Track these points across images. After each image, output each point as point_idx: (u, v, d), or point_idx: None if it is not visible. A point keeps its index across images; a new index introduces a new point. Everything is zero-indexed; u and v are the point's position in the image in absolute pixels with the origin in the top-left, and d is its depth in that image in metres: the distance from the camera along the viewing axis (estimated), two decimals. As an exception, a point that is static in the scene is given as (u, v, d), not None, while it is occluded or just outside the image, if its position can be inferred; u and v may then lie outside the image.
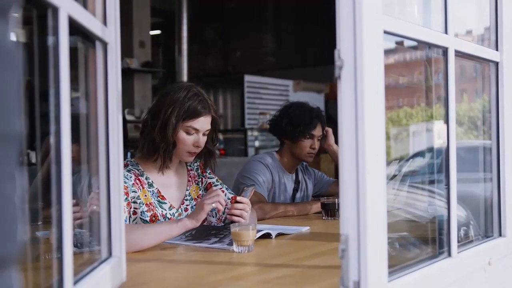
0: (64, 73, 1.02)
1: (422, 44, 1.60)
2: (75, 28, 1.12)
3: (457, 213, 1.56)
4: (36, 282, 1.16)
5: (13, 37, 0.61)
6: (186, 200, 2.36)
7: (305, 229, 2.36)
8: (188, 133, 2.22)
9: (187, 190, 2.37)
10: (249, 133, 7.49)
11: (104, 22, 1.36)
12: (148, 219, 2.18)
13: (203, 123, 2.24)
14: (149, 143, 2.22)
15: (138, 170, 2.24)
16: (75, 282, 1.10)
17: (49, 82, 1.03)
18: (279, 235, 2.20)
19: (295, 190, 3.14)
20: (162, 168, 2.27)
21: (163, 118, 2.18)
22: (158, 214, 2.21)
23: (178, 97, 2.20)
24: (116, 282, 1.38)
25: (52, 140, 1.03)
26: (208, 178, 2.46)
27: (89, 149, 1.39)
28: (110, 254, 1.38)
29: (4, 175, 0.58)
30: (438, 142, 1.96)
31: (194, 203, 2.37)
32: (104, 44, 1.36)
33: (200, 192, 2.41)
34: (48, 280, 1.12)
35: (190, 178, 2.41)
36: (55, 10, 1.00)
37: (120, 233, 1.40)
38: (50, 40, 1.03)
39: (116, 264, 1.38)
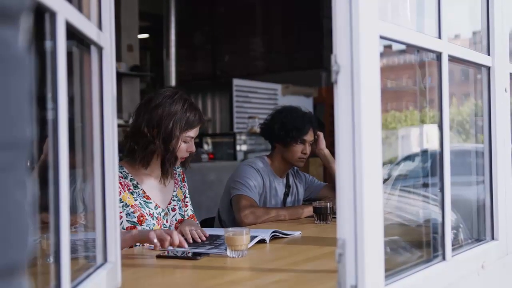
0: (61, 77, 1.02)
1: (410, 48, 1.61)
2: (71, 33, 1.12)
3: (449, 217, 1.57)
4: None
5: (23, 42, 0.60)
6: (174, 200, 2.43)
7: (297, 233, 2.36)
8: (185, 142, 2.31)
9: (174, 191, 2.45)
10: (238, 137, 7.47)
11: (100, 26, 1.35)
12: (136, 219, 2.24)
13: (197, 130, 2.35)
14: (150, 154, 2.27)
15: (121, 173, 2.26)
16: (72, 288, 1.09)
17: (46, 86, 1.02)
18: (274, 238, 2.20)
19: (286, 194, 3.14)
20: (164, 179, 2.36)
21: (165, 131, 2.24)
22: (145, 214, 2.26)
23: (176, 110, 2.27)
24: (111, 288, 1.37)
25: (49, 145, 1.02)
26: (186, 188, 2.56)
27: (83, 154, 1.38)
28: (105, 259, 1.37)
29: (14, 181, 0.57)
30: (428, 145, 1.97)
31: (181, 204, 2.46)
32: (100, 49, 1.35)
33: (183, 196, 2.50)
34: (44, 286, 1.11)
35: (176, 180, 2.49)
36: (53, 14, 1.00)
37: (115, 239, 1.40)
38: (47, 44, 1.02)
39: (111, 270, 1.37)
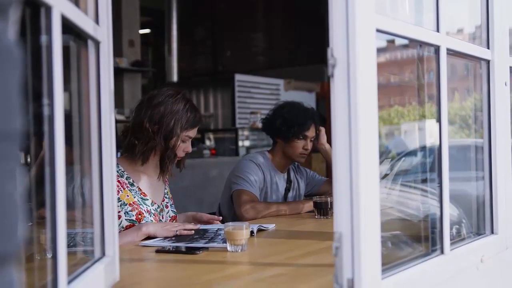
0: (57, 72, 1.02)
1: (413, 43, 1.61)
2: (67, 27, 1.12)
3: (449, 211, 1.57)
4: (29, 282, 1.15)
5: (12, 35, 0.61)
6: (166, 197, 2.47)
7: (272, 226, 2.39)
8: (183, 141, 2.34)
9: (166, 189, 2.50)
10: (240, 132, 7.47)
11: (97, 21, 1.35)
12: (134, 217, 2.26)
13: (196, 131, 2.39)
14: (149, 150, 2.30)
15: (117, 171, 2.27)
16: (69, 282, 1.10)
17: (42, 81, 1.02)
18: (259, 231, 2.25)
19: (287, 189, 3.14)
20: (163, 176, 2.39)
21: (166, 128, 2.28)
22: (143, 211, 2.29)
23: (178, 108, 2.30)
24: (109, 282, 1.37)
25: (45, 140, 1.02)
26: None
27: (81, 150, 1.39)
28: (103, 253, 1.38)
29: (5, 172, 0.58)
30: (430, 141, 1.97)
31: (172, 201, 2.51)
32: (97, 43, 1.35)
33: (171, 194, 2.55)
34: (41, 280, 1.12)
35: (166, 180, 2.52)
36: (48, 9, 1.00)
37: (113, 232, 1.40)
38: (43, 39, 1.02)
39: (109, 263, 1.37)
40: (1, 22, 0.58)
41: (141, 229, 2.11)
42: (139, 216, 2.26)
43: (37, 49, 1.03)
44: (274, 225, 2.42)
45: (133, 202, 2.27)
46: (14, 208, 0.59)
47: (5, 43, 0.58)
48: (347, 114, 1.17)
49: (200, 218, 2.48)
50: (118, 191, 2.23)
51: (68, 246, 1.12)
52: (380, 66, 1.29)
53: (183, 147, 2.35)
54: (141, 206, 2.29)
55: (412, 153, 2.51)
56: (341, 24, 1.17)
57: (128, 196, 2.27)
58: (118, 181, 2.25)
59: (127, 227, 2.22)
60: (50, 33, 1.01)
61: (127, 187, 2.29)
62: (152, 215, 2.31)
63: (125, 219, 2.24)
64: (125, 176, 2.32)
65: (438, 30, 1.52)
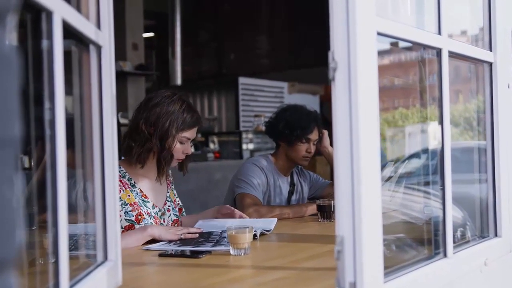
0: (58, 77, 1.02)
1: (416, 45, 1.61)
2: (69, 32, 1.12)
3: (454, 214, 1.56)
4: (31, 286, 1.15)
5: (11, 41, 0.61)
6: (168, 201, 2.47)
7: (273, 222, 2.40)
8: (181, 142, 2.33)
9: (168, 192, 2.48)
10: (244, 135, 7.47)
11: (98, 25, 1.36)
12: (133, 218, 2.26)
13: (195, 132, 2.38)
14: (146, 152, 2.30)
15: (119, 172, 2.27)
16: (71, 286, 1.10)
17: (43, 86, 1.03)
18: (262, 234, 2.24)
19: (291, 192, 3.14)
20: (160, 178, 2.38)
21: (162, 129, 2.27)
22: (143, 213, 2.29)
23: (173, 109, 2.30)
24: (111, 286, 1.37)
25: (46, 144, 1.02)
26: (174, 190, 2.57)
27: (83, 154, 1.39)
28: (105, 258, 1.38)
29: (3, 178, 0.58)
30: (434, 143, 1.97)
31: (174, 205, 2.49)
32: (98, 48, 1.35)
33: (175, 197, 2.53)
34: (43, 285, 1.12)
35: (168, 183, 2.52)
36: (49, 14, 1.00)
37: (115, 237, 1.40)
38: (44, 43, 1.02)
39: (112, 268, 1.37)
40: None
41: (146, 230, 2.11)
42: (139, 217, 2.26)
43: (38, 53, 1.04)
44: (276, 219, 2.44)
45: (134, 203, 2.27)
46: (12, 214, 0.59)
47: (3, 49, 0.58)
48: (348, 117, 1.17)
49: (225, 211, 2.51)
50: (119, 190, 2.23)
51: (70, 249, 1.12)
52: (384, 68, 1.30)
53: (182, 149, 2.34)
54: (141, 207, 2.29)
55: (416, 155, 2.51)
56: (341, 27, 1.17)
57: (129, 196, 2.27)
58: (120, 181, 2.25)
59: (126, 228, 2.22)
60: (51, 38, 1.02)
61: (129, 187, 2.29)
62: (152, 217, 2.31)
63: (125, 219, 2.23)
64: (127, 177, 2.32)
65: (439, 33, 1.52)
